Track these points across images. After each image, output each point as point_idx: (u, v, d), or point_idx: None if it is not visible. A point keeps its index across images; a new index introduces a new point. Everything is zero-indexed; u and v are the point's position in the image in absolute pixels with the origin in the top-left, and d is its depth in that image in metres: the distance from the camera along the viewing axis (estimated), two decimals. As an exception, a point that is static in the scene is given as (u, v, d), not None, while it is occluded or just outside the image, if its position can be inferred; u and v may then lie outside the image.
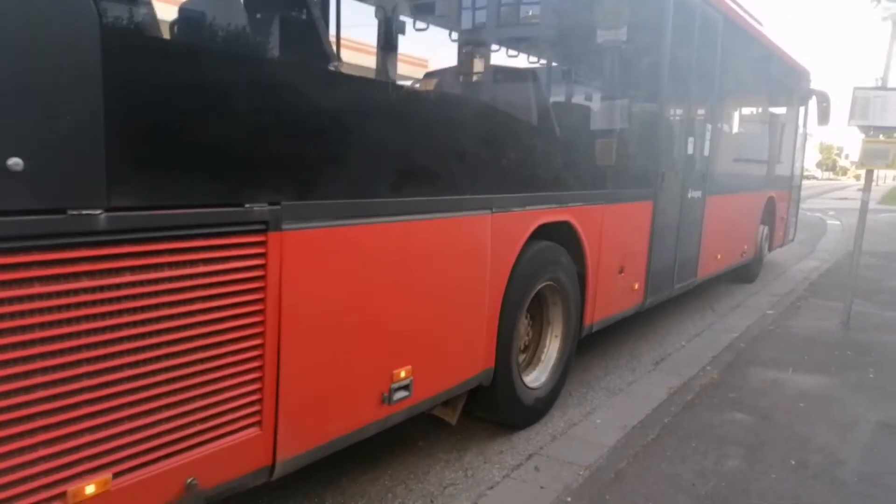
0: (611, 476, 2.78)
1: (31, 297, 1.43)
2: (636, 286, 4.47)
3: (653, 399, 3.70)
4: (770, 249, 8.34)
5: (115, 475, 1.62)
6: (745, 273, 7.51)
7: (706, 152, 5.45)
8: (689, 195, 5.16)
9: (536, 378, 3.49)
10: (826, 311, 5.96)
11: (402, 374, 2.47)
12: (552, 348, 3.61)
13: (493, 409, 3.21)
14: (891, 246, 10.98)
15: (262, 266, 1.90)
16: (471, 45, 2.82)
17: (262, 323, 1.92)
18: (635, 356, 4.73)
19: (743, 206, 6.90)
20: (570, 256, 3.57)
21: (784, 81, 7.84)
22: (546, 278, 3.37)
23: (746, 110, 7.59)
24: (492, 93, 3.05)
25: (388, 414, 2.47)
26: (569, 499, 2.60)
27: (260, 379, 1.94)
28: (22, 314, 1.42)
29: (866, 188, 5.45)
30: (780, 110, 8.04)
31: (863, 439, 3.24)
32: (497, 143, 2.96)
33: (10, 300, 1.40)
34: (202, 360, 1.79)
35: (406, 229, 2.44)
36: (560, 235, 3.44)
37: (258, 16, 2.19)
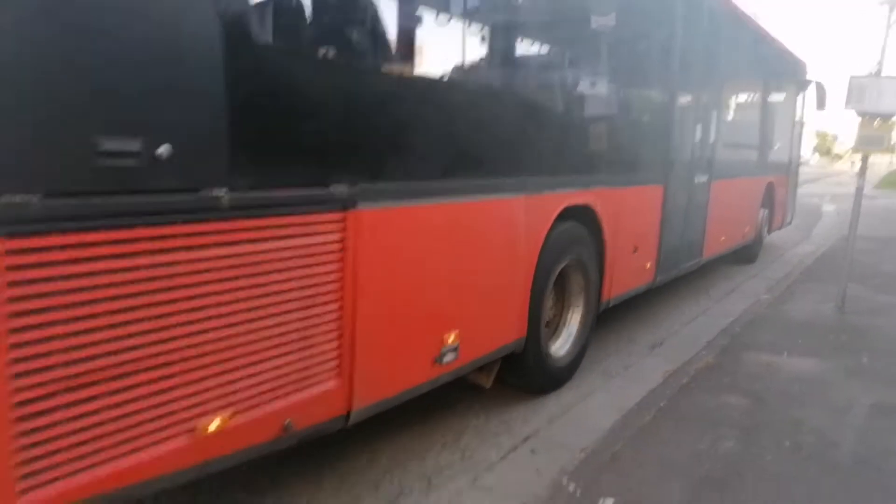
0: (607, 458, 2.80)
1: (175, 263, 1.72)
2: (648, 265, 4.77)
3: (649, 382, 3.71)
4: (769, 231, 8.68)
5: (233, 414, 1.93)
6: (746, 254, 7.84)
7: (712, 139, 5.75)
8: (696, 180, 5.46)
9: (561, 347, 3.79)
10: (821, 294, 5.97)
11: (451, 339, 2.77)
12: (574, 320, 3.91)
13: (523, 374, 3.51)
14: (885, 231, 11.18)
15: (342, 240, 2.20)
16: (516, 42, 3.10)
17: (341, 289, 2.22)
18: (633, 340, 4.78)
19: (745, 190, 7.21)
20: (591, 236, 3.86)
21: (782, 72, 8.13)
22: (570, 256, 3.67)
23: (748, 100, 7.87)
24: (531, 86, 3.32)
25: (439, 374, 2.77)
26: (565, 481, 2.61)
27: (339, 336, 2.24)
28: (166, 277, 1.70)
29: (861, 173, 5.57)
30: (779, 99, 8.32)
31: (857, 422, 3.25)
32: (534, 132, 3.24)
33: (157, 265, 1.69)
34: (297, 319, 2.08)
35: (457, 209, 2.73)
36: (582, 217, 3.73)
37: (340, 18, 2.46)
